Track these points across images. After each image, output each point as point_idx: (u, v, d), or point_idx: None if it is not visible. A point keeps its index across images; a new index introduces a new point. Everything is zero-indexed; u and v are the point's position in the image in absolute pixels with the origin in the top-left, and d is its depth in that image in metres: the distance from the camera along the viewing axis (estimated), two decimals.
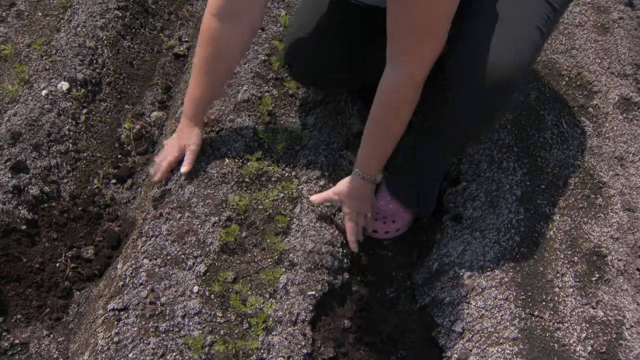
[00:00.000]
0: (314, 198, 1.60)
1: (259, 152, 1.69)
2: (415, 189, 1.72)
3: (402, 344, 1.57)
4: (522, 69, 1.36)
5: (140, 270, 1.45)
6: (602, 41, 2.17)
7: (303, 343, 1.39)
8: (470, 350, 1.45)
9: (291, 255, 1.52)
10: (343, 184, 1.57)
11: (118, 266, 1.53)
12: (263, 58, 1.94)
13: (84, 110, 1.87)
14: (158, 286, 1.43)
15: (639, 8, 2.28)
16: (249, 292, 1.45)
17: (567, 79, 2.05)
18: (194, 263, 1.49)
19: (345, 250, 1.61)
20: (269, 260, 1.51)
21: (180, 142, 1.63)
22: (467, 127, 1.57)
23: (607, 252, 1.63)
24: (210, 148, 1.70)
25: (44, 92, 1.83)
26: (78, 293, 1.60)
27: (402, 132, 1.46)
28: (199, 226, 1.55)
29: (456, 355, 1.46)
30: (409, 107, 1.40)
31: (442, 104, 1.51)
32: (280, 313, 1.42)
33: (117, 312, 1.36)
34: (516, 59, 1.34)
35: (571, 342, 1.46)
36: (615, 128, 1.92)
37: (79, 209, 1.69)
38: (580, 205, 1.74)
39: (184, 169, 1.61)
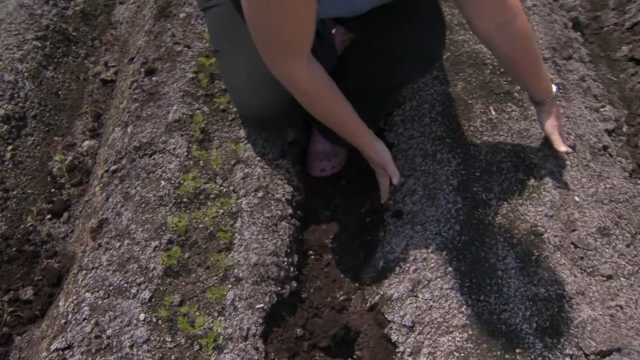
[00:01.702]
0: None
1: (195, 170, 1.68)
2: None
3: (356, 345, 1.58)
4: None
5: (83, 304, 1.42)
6: None
7: (256, 357, 1.38)
8: (422, 343, 1.47)
9: (236, 270, 1.51)
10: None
11: (60, 303, 1.49)
12: (191, 76, 1.93)
13: (9, 147, 1.82)
14: (102, 319, 1.40)
15: None
16: (197, 313, 1.44)
17: (491, 67, 2.11)
18: (137, 290, 1.46)
19: (290, 259, 1.62)
20: (214, 278, 1.50)
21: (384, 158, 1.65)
22: (403, 84, 1.85)
23: (543, 230, 1.68)
24: (144, 172, 1.68)
25: None
26: (19, 338, 1.54)
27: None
28: (140, 252, 1.53)
29: (409, 349, 1.48)
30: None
31: (381, 69, 1.61)
32: (230, 330, 1.41)
33: (61, 352, 1.33)
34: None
35: (517, 321, 1.50)
36: None
37: (13, 249, 1.64)
38: (515, 188, 1.79)
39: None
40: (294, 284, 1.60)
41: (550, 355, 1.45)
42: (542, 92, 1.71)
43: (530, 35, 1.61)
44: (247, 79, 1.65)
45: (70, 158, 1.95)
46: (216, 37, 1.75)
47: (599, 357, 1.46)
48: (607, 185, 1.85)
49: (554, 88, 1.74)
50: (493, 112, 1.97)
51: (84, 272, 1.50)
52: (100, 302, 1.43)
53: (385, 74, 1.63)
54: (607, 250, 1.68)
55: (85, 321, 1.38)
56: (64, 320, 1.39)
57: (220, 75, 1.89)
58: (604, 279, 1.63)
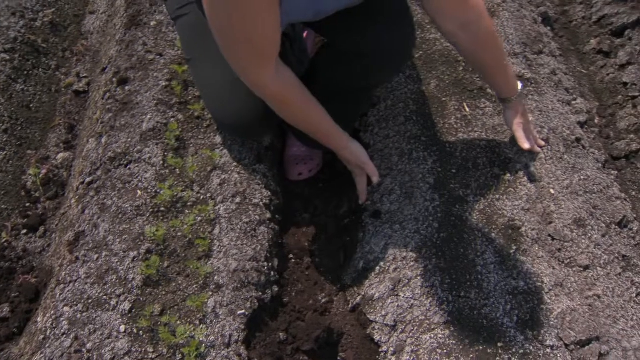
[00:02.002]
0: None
1: (171, 179, 1.67)
2: None
3: (340, 347, 1.58)
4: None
5: (61, 319, 1.40)
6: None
7: None
8: (405, 341, 1.48)
9: (216, 277, 1.51)
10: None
11: (38, 319, 1.47)
12: (164, 84, 1.92)
13: None
14: (82, 332, 1.38)
15: None
16: (178, 322, 1.43)
17: (463, 64, 2.13)
18: (117, 302, 1.45)
19: (270, 264, 1.61)
20: (194, 286, 1.49)
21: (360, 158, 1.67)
22: (376, 85, 1.88)
23: (521, 223, 1.70)
24: (120, 182, 1.67)
25: None
26: None
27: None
28: (119, 263, 1.52)
29: (392, 349, 1.48)
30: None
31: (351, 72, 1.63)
32: (213, 337, 1.41)
33: None
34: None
35: (498, 315, 1.51)
36: None
37: None
38: (491, 183, 1.80)
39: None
40: (275, 288, 1.59)
41: (531, 347, 1.47)
42: (508, 89, 1.74)
43: (494, 35, 1.63)
44: (219, 87, 1.64)
45: (44, 171, 1.92)
46: (188, 46, 1.74)
47: (579, 346, 1.48)
48: (582, 177, 1.87)
49: (519, 85, 1.76)
50: (467, 109, 1.99)
51: (62, 286, 1.48)
52: (79, 315, 1.41)
53: (356, 76, 1.64)
54: (583, 241, 1.70)
55: (65, 336, 1.37)
56: (42, 336, 1.37)
57: (194, 83, 1.88)
58: (582, 269, 1.65)
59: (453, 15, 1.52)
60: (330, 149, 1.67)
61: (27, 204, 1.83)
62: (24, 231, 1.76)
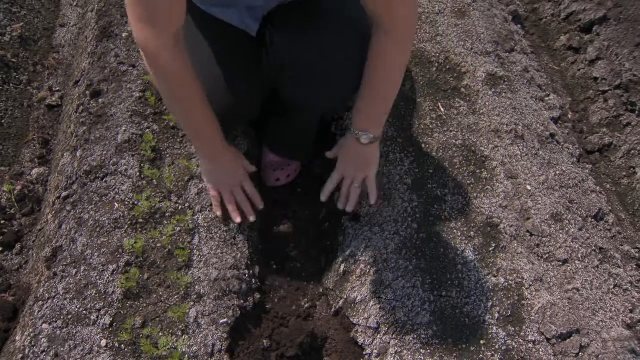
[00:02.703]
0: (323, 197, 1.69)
1: (149, 190, 1.66)
2: (290, 144, 1.91)
3: (325, 351, 1.58)
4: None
5: (40, 336, 1.38)
6: (462, 24, 2.28)
7: None
8: (389, 343, 1.48)
9: (197, 287, 1.50)
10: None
11: (17, 338, 1.45)
12: (138, 95, 1.90)
13: None
14: (62, 349, 1.36)
15: None
16: (160, 334, 1.42)
17: (437, 64, 2.14)
18: (97, 316, 1.43)
19: (251, 271, 1.61)
20: (175, 297, 1.48)
21: (236, 178, 1.63)
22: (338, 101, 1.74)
23: (499, 221, 1.72)
24: (97, 195, 1.65)
25: None
26: None
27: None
28: (98, 277, 1.50)
29: (376, 351, 1.49)
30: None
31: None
32: (195, 347, 1.40)
33: None
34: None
35: (480, 313, 1.53)
36: (487, 103, 2.03)
37: None
38: (468, 181, 1.82)
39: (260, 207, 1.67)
40: (257, 295, 1.59)
41: (514, 343, 1.48)
42: (368, 123, 1.54)
43: (398, 66, 1.44)
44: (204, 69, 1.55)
45: (19, 187, 1.89)
46: None
47: (560, 340, 1.50)
48: (557, 172, 1.90)
49: (372, 136, 1.55)
50: (442, 109, 2.00)
51: (40, 303, 1.46)
52: (58, 332, 1.39)
53: (285, 91, 1.62)
54: (561, 236, 1.72)
55: (44, 354, 1.35)
56: (21, 355, 1.35)
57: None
58: (560, 263, 1.67)
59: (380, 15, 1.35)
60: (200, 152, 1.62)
61: (2, 221, 1.80)
62: (0, 249, 1.73)
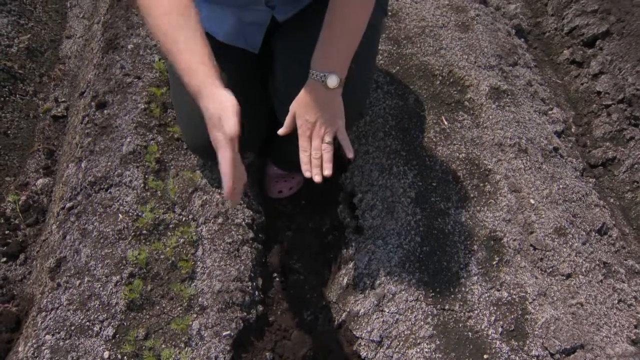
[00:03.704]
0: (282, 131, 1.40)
1: (153, 201, 1.67)
2: (294, 158, 1.71)
3: None
4: None
5: (43, 348, 1.38)
6: (466, 38, 2.29)
7: None
8: (391, 357, 1.48)
9: (200, 299, 1.50)
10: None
11: (19, 349, 1.45)
12: (143, 107, 1.91)
13: None
14: None
15: (492, 4, 2.45)
16: (163, 346, 1.41)
17: (440, 78, 2.15)
18: (100, 328, 1.43)
19: (255, 283, 1.61)
20: (178, 309, 1.48)
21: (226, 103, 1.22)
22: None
23: (502, 234, 1.72)
24: (101, 206, 1.66)
25: None
26: None
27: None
28: (101, 289, 1.50)
29: None
30: None
31: None
32: None
33: None
34: None
35: (483, 327, 1.52)
36: (490, 117, 2.03)
37: None
38: (472, 195, 1.82)
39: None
40: (260, 307, 1.59)
41: (517, 358, 1.48)
42: (338, 60, 1.34)
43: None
44: (192, 109, 1.45)
45: (24, 198, 1.90)
46: (171, 68, 1.70)
47: (564, 355, 1.49)
48: (561, 186, 1.90)
49: (340, 78, 1.33)
50: (445, 122, 2.01)
51: (43, 313, 1.46)
52: (61, 343, 1.40)
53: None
54: (564, 250, 1.72)
55: None
56: None
57: (172, 103, 1.87)
58: (564, 278, 1.66)
59: None
60: (190, 91, 1.27)
61: (7, 232, 1.81)
62: (4, 259, 1.74)
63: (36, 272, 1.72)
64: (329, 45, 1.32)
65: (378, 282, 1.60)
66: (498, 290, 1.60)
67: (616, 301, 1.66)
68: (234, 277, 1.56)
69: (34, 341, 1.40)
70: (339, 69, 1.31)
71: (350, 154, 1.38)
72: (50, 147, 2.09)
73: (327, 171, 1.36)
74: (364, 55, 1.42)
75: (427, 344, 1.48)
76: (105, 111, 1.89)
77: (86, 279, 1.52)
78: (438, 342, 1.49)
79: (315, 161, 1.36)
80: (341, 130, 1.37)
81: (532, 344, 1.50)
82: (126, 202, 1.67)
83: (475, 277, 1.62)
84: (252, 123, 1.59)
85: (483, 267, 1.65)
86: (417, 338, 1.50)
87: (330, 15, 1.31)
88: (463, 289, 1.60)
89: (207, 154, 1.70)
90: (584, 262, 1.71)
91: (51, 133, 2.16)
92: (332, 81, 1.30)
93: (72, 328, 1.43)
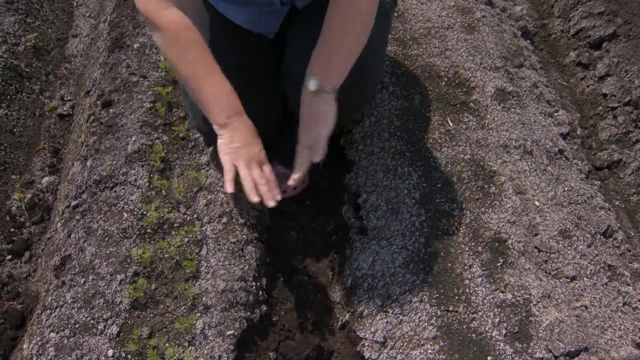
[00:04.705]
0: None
1: (157, 200, 1.67)
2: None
3: None
4: None
5: (48, 345, 1.39)
6: (472, 39, 2.29)
7: None
8: (395, 357, 1.48)
9: (204, 298, 1.50)
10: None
11: (24, 346, 1.45)
12: (148, 106, 1.92)
13: None
14: (69, 358, 1.37)
15: (498, 6, 2.44)
16: (167, 344, 1.42)
17: (445, 79, 2.15)
18: (105, 326, 1.44)
19: (259, 283, 1.61)
20: (182, 307, 1.48)
21: (254, 151, 1.38)
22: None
23: (507, 236, 1.71)
24: (106, 205, 1.66)
25: None
26: None
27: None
28: (106, 287, 1.51)
29: None
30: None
31: None
32: (202, 359, 1.40)
33: None
34: None
35: (487, 329, 1.52)
36: (496, 118, 2.03)
37: None
38: (476, 196, 1.82)
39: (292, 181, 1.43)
40: (264, 307, 1.59)
41: None
42: (323, 67, 1.38)
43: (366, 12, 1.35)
44: None
45: (29, 196, 1.91)
46: None
47: (568, 358, 1.48)
48: (566, 188, 1.89)
49: (320, 82, 1.36)
50: (450, 123, 2.00)
51: (48, 311, 1.47)
52: (66, 341, 1.40)
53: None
54: (569, 252, 1.71)
55: None
56: None
57: (182, 95, 1.84)
58: (568, 280, 1.66)
59: None
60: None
61: (12, 229, 1.82)
62: (9, 257, 1.74)
63: (41, 270, 1.72)
64: (328, 50, 1.36)
65: (382, 282, 1.60)
66: (502, 292, 1.59)
67: (621, 304, 1.65)
68: (238, 276, 1.56)
69: (38, 339, 1.40)
70: (324, 76, 1.36)
71: (316, 158, 1.44)
72: (55, 145, 2.10)
73: (294, 175, 1.46)
74: (374, 37, 1.43)
75: (431, 345, 1.48)
76: (110, 110, 1.90)
77: (91, 277, 1.52)
78: (442, 344, 1.48)
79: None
80: (322, 137, 1.42)
81: (536, 346, 1.50)
82: (131, 200, 1.67)
83: (480, 279, 1.62)
84: (265, 108, 1.60)
85: (487, 269, 1.64)
86: (420, 339, 1.49)
87: (333, 17, 1.34)
88: (467, 290, 1.59)
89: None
90: (588, 264, 1.70)
91: (57, 131, 2.17)
92: (313, 85, 1.35)
93: (77, 326, 1.43)
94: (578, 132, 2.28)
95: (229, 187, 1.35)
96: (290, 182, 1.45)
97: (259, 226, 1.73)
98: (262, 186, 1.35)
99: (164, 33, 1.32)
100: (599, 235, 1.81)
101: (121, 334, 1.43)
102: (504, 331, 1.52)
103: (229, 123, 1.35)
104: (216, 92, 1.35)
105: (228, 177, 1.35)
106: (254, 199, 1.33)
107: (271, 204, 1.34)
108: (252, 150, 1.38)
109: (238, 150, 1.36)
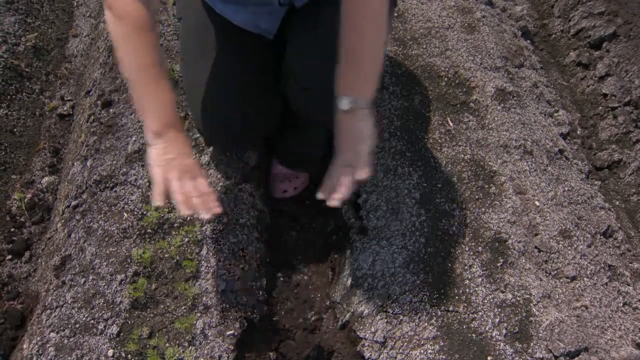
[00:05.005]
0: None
1: None
2: (300, 157, 1.89)
3: None
4: None
5: (48, 345, 1.39)
6: (472, 39, 2.29)
7: None
8: (395, 357, 1.48)
9: (204, 298, 1.50)
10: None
11: (24, 346, 1.45)
12: None
13: None
14: (69, 358, 1.37)
15: (498, 6, 2.44)
16: (167, 344, 1.42)
17: (446, 79, 2.15)
18: (105, 326, 1.44)
19: (259, 283, 1.61)
20: (182, 307, 1.48)
21: (188, 164, 1.30)
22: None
23: (507, 236, 1.71)
24: (106, 205, 1.66)
25: None
26: None
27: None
28: (106, 287, 1.51)
29: None
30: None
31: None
32: (202, 359, 1.40)
33: None
34: None
35: (487, 329, 1.52)
36: (496, 118, 2.03)
37: None
38: (476, 196, 1.82)
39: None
40: (264, 307, 1.59)
41: None
42: (353, 85, 1.32)
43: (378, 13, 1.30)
44: (208, 88, 1.55)
45: (29, 195, 1.91)
46: (185, 46, 1.67)
47: (568, 358, 1.49)
48: (566, 188, 1.89)
49: (353, 99, 1.30)
50: (450, 123, 2.00)
51: (48, 311, 1.47)
52: (66, 341, 1.40)
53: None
54: (569, 252, 1.72)
55: None
56: None
57: (183, 85, 1.82)
58: (569, 280, 1.66)
59: None
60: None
61: (12, 229, 1.82)
62: (9, 256, 1.74)
63: (41, 269, 1.72)
64: (352, 68, 1.31)
65: (382, 282, 1.60)
66: (502, 292, 1.59)
67: (621, 304, 1.65)
68: (238, 276, 1.56)
69: (38, 338, 1.40)
70: (356, 93, 1.30)
71: (360, 175, 1.31)
72: (56, 145, 2.10)
73: (337, 196, 1.31)
74: None
75: (431, 345, 1.48)
76: (111, 110, 1.90)
77: (91, 277, 1.52)
78: (442, 344, 1.48)
79: (329, 186, 1.33)
80: (363, 154, 1.33)
81: (536, 347, 1.50)
82: (131, 200, 1.67)
83: (480, 279, 1.62)
84: (265, 108, 1.60)
85: (487, 269, 1.64)
86: (420, 339, 1.49)
87: (350, 30, 1.29)
88: (467, 290, 1.59)
89: (216, 136, 1.70)
90: (588, 264, 1.70)
91: (57, 131, 2.16)
92: (346, 104, 1.29)
93: (77, 326, 1.43)
94: (578, 132, 2.28)
95: (158, 201, 1.28)
96: (337, 196, 1.31)
97: (259, 226, 1.73)
98: (195, 198, 1.27)
99: (125, 25, 1.27)
100: (599, 235, 1.81)
101: (121, 334, 1.43)
102: (504, 331, 1.52)
103: (164, 133, 1.30)
104: (158, 100, 1.31)
105: (158, 190, 1.28)
106: (185, 212, 1.26)
107: (206, 216, 1.26)
108: (186, 163, 1.31)
109: (170, 162, 1.30)
